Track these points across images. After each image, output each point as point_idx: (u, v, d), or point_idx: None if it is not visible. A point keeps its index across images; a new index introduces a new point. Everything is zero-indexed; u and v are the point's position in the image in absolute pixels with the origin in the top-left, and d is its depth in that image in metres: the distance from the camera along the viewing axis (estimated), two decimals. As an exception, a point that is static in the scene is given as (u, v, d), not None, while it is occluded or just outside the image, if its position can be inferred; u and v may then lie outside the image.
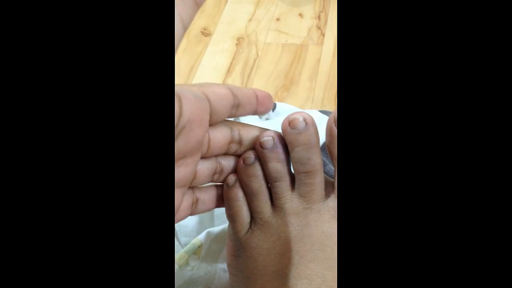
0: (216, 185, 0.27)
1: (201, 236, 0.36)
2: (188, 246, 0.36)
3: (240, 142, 0.26)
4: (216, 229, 0.36)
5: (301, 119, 0.25)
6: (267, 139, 0.25)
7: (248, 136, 0.26)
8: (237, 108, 0.24)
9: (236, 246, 0.27)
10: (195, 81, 0.72)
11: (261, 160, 0.26)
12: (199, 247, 0.36)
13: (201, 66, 0.76)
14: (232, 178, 0.26)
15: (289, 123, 0.25)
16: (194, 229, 0.38)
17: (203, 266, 0.36)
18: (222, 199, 0.27)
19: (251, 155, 0.26)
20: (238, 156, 0.26)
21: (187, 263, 0.35)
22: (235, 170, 0.26)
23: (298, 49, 0.80)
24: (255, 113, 0.26)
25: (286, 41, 0.82)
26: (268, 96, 0.26)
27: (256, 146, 0.26)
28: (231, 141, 0.25)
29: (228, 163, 0.26)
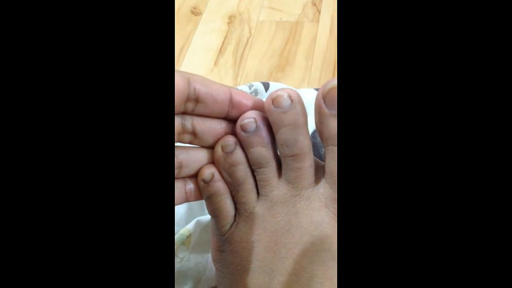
0: (184, 179, 0.24)
1: (190, 225, 0.34)
2: (176, 236, 0.34)
3: (194, 133, 0.23)
4: (206, 217, 0.34)
5: (285, 96, 0.22)
6: (249, 121, 0.22)
7: (203, 127, 0.23)
8: (195, 104, 0.22)
9: (221, 240, 0.24)
10: (186, 62, 0.70)
11: (243, 145, 0.23)
12: (188, 237, 0.34)
13: (192, 46, 0.74)
14: (207, 173, 0.23)
15: (273, 101, 0.22)
16: (182, 217, 0.36)
17: (193, 257, 0.34)
18: (193, 194, 0.24)
19: (230, 141, 0.23)
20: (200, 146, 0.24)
21: (175, 254, 0.34)
22: (201, 162, 0.23)
23: (293, 27, 0.78)
24: (225, 115, 0.23)
25: (280, 18, 0.79)
26: (248, 98, 0.23)
27: (237, 130, 0.23)
28: (183, 131, 0.22)
29: (187, 156, 0.23)
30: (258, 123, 0.22)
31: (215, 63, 0.71)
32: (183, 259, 0.34)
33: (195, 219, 0.34)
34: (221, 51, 0.72)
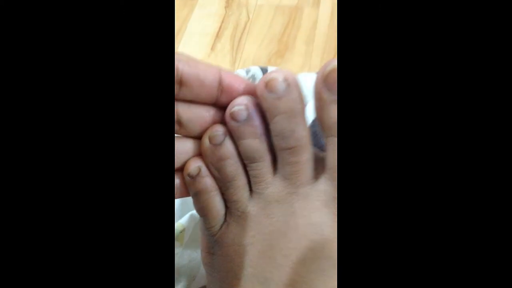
0: None
1: (184, 220, 0.32)
2: (168, 231, 0.32)
3: (179, 122, 0.20)
4: (201, 211, 0.32)
5: (280, 79, 0.19)
6: (239, 108, 0.20)
7: (189, 115, 0.20)
8: (179, 87, 0.19)
9: (210, 242, 0.22)
10: (182, 47, 0.68)
11: (233, 135, 0.20)
12: (181, 232, 0.32)
13: (188, 31, 0.71)
14: (194, 167, 0.21)
15: (266, 84, 0.19)
16: (176, 212, 0.34)
17: (186, 254, 0.32)
18: (179, 190, 0.22)
19: (218, 132, 0.20)
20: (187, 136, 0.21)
21: (168, 250, 0.32)
22: (187, 154, 0.21)
23: (293, 11, 0.76)
24: (214, 101, 0.20)
25: (280, 2, 0.77)
26: (239, 82, 0.20)
27: (226, 118, 0.20)
28: None
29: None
30: (250, 111, 0.20)
31: (212, 48, 0.69)
32: (176, 256, 0.32)
33: (189, 213, 0.33)
34: (218, 35, 0.70)
